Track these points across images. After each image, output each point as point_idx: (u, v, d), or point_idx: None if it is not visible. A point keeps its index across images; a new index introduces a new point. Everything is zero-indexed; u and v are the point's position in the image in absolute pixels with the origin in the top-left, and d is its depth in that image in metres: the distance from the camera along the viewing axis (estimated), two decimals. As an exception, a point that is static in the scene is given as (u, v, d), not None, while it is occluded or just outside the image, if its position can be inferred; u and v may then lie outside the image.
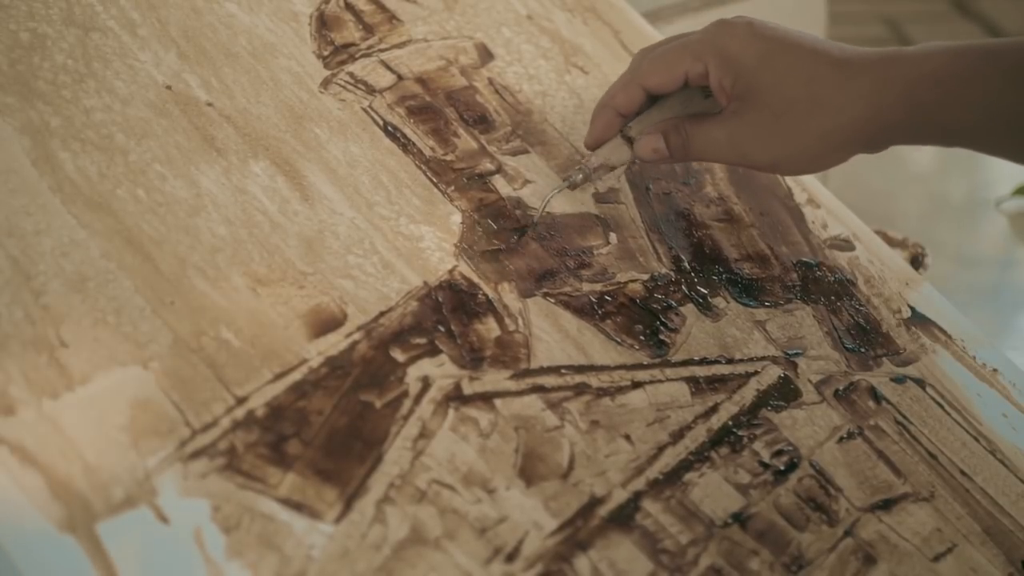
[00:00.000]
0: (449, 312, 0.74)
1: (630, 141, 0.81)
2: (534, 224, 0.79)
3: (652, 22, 0.99)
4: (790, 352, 0.80)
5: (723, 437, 0.75)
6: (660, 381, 0.76)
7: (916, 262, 1.07)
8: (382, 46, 0.86)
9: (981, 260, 1.39)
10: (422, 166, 0.81)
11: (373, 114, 0.82)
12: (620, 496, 0.70)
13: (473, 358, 0.72)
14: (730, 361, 0.78)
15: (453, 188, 0.80)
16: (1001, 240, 1.43)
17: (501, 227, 0.79)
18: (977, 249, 1.40)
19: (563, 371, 0.74)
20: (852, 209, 0.91)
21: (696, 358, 0.78)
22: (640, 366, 0.76)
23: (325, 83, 0.82)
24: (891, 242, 0.92)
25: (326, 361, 0.69)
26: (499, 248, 0.78)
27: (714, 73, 0.77)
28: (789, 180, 0.90)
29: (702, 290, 0.82)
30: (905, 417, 0.80)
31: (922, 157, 1.61)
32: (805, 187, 0.90)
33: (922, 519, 0.76)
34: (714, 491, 0.72)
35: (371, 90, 0.83)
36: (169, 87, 0.77)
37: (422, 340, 0.72)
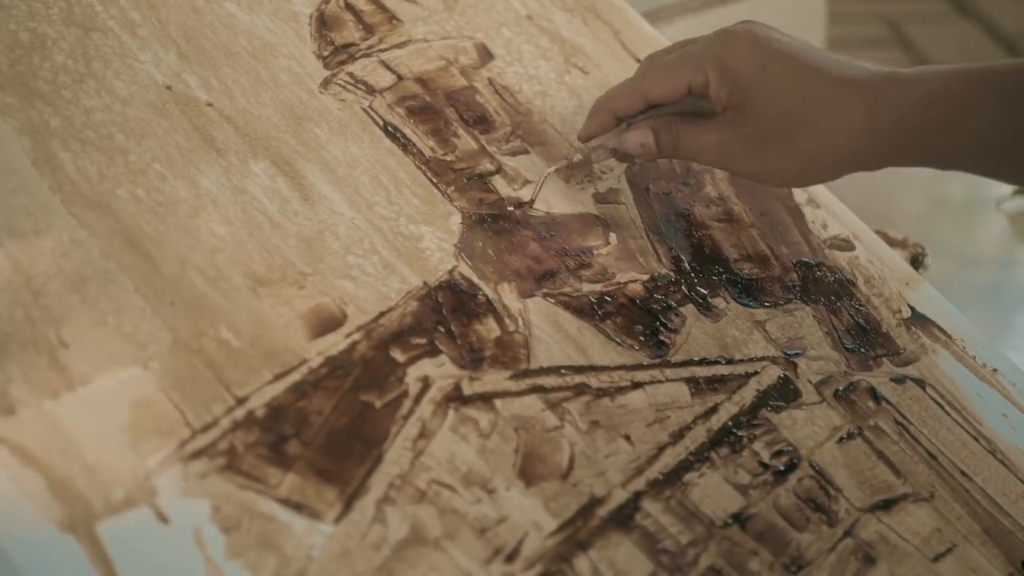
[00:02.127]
0: (449, 312, 0.74)
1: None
2: (532, 201, 0.80)
3: (652, 22, 0.99)
4: (790, 352, 0.80)
5: (723, 437, 0.75)
6: (660, 381, 0.76)
7: (916, 262, 1.07)
8: (382, 46, 0.86)
9: (981, 260, 1.39)
10: (422, 166, 0.81)
11: (373, 114, 0.82)
12: (620, 496, 0.70)
13: (473, 358, 0.72)
14: (730, 361, 0.78)
15: (453, 188, 0.80)
16: (1001, 240, 1.43)
17: (501, 227, 0.79)
18: (977, 249, 1.40)
19: (563, 371, 0.74)
20: (852, 209, 0.91)
21: (696, 358, 0.78)
22: (640, 366, 0.76)
23: (325, 83, 0.82)
24: (891, 242, 0.92)
25: (326, 361, 0.69)
26: (499, 247, 0.78)
27: (713, 84, 0.77)
28: (789, 180, 0.90)
29: (702, 290, 0.82)
30: (905, 417, 0.80)
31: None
32: (805, 187, 0.90)
33: (922, 519, 0.76)
34: (714, 491, 0.72)
35: (371, 90, 0.83)
36: (169, 87, 0.77)
37: (422, 340, 0.72)
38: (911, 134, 0.74)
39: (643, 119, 0.81)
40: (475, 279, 0.76)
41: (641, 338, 0.77)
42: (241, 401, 0.67)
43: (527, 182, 0.82)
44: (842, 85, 0.75)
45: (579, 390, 0.73)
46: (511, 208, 0.80)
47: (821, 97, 0.75)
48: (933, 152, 0.75)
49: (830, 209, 0.90)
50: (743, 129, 0.77)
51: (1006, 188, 1.46)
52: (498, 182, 0.82)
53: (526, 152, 0.84)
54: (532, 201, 0.81)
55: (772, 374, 0.79)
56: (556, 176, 0.83)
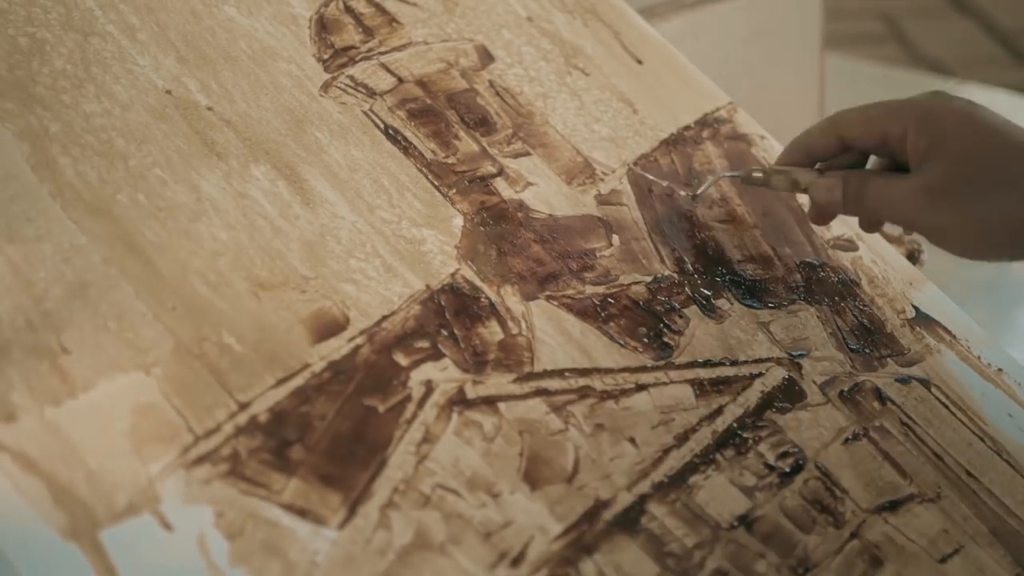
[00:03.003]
0: (452, 316, 0.74)
1: (819, 174, 0.80)
2: (697, 196, 0.82)
3: (647, 19, 0.98)
4: (794, 353, 0.80)
5: (728, 439, 0.74)
6: (664, 383, 0.75)
7: (912, 258, 1.07)
8: (382, 49, 0.86)
9: (979, 257, 1.39)
10: (423, 169, 0.80)
11: (374, 117, 0.82)
12: (625, 499, 0.70)
13: (476, 362, 0.72)
14: (734, 363, 0.78)
15: (455, 191, 0.80)
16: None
17: (503, 230, 0.79)
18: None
19: (567, 374, 0.74)
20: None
21: (700, 360, 0.77)
22: (644, 368, 0.76)
23: (325, 86, 0.82)
24: (887, 238, 0.92)
25: (329, 366, 0.69)
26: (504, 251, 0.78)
27: (911, 135, 0.75)
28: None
29: (705, 292, 0.81)
30: (910, 418, 0.79)
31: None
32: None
33: (928, 520, 0.75)
34: (720, 494, 0.72)
35: (371, 93, 0.83)
36: (169, 91, 0.77)
37: (425, 344, 0.72)
38: None
39: (838, 169, 0.79)
40: (478, 282, 0.76)
41: (645, 340, 0.77)
42: (244, 406, 0.66)
43: (529, 184, 0.82)
44: None
45: (583, 393, 0.73)
46: (513, 211, 0.79)
47: (1020, 170, 0.72)
48: None
49: (833, 209, 0.90)
50: (935, 182, 0.74)
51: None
52: (500, 184, 0.82)
53: (528, 154, 0.84)
54: (697, 196, 0.81)
55: (777, 375, 0.78)
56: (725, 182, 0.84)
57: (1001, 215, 0.73)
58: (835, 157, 0.80)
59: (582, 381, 0.74)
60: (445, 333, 0.73)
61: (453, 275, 0.76)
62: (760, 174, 0.81)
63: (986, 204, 0.73)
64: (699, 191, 0.81)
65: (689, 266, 0.82)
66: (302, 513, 0.64)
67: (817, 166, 0.80)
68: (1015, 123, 0.75)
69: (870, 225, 0.83)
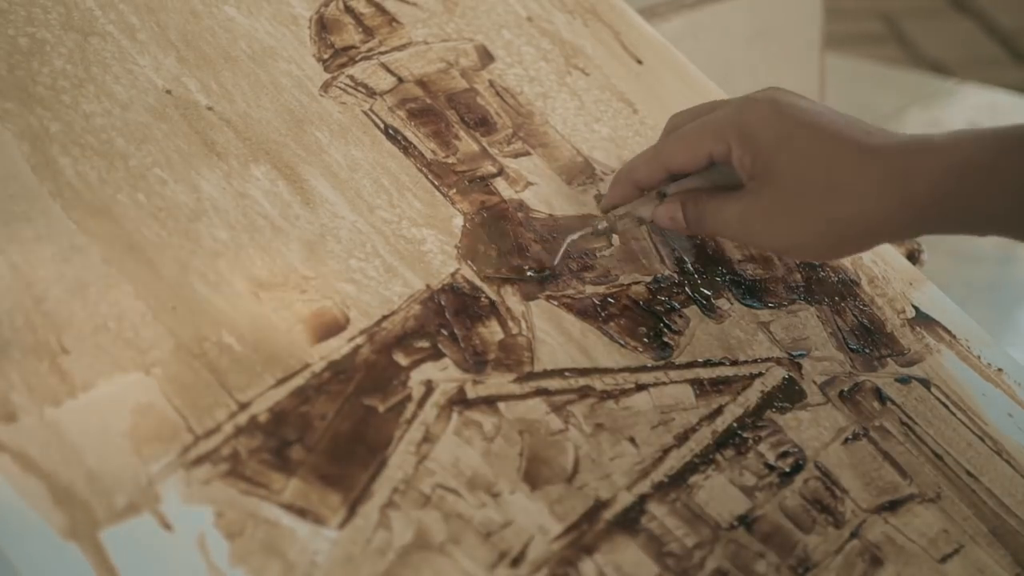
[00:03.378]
0: (452, 315, 0.74)
1: (662, 197, 0.79)
2: (554, 268, 0.78)
3: (648, 19, 0.98)
4: (794, 353, 0.80)
5: (728, 439, 0.74)
6: (664, 383, 0.75)
7: (912, 258, 1.07)
8: (382, 49, 0.85)
9: (979, 256, 1.39)
10: (423, 169, 0.80)
11: (374, 117, 0.82)
12: (625, 499, 0.70)
13: (476, 361, 0.72)
14: (734, 363, 0.78)
15: (455, 191, 0.80)
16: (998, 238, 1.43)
17: (503, 229, 0.79)
18: (975, 245, 1.40)
19: (567, 374, 0.74)
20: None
21: (700, 360, 0.77)
22: (644, 368, 0.76)
23: (325, 86, 0.82)
24: (889, 239, 0.92)
25: (329, 366, 0.69)
26: (502, 253, 0.78)
27: (735, 152, 0.74)
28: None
29: (705, 292, 0.81)
30: (910, 418, 0.79)
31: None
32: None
33: (928, 520, 0.75)
34: (719, 493, 0.72)
35: (371, 93, 0.83)
36: (169, 91, 0.77)
37: (425, 344, 0.72)
38: (945, 203, 0.71)
39: (676, 191, 0.78)
40: (478, 282, 0.76)
41: (645, 340, 0.77)
42: (244, 406, 0.66)
43: (529, 184, 0.82)
44: (870, 153, 0.71)
45: (583, 393, 0.73)
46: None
47: (848, 163, 0.71)
48: (968, 219, 0.72)
49: (833, 209, 0.90)
50: (767, 199, 0.73)
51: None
52: (500, 184, 0.82)
53: (528, 154, 0.84)
54: (554, 267, 0.78)
55: (777, 375, 0.78)
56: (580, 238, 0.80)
57: (829, 222, 0.72)
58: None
59: (582, 381, 0.74)
60: (445, 333, 0.73)
61: (453, 275, 0.76)
62: (605, 224, 0.79)
63: (818, 216, 0.72)
64: (555, 260, 0.78)
65: (689, 266, 0.82)
66: (302, 513, 0.64)
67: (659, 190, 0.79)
68: (824, 108, 0.74)
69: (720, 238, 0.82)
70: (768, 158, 0.73)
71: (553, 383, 0.73)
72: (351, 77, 0.83)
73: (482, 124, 0.84)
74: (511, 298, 0.76)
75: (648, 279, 0.80)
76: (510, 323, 0.75)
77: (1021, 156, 0.69)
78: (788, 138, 0.73)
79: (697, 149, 0.76)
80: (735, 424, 0.75)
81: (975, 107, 1.76)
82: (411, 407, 0.69)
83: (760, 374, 0.78)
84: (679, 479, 0.72)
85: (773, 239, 0.75)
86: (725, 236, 0.79)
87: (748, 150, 0.74)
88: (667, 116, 0.81)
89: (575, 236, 0.79)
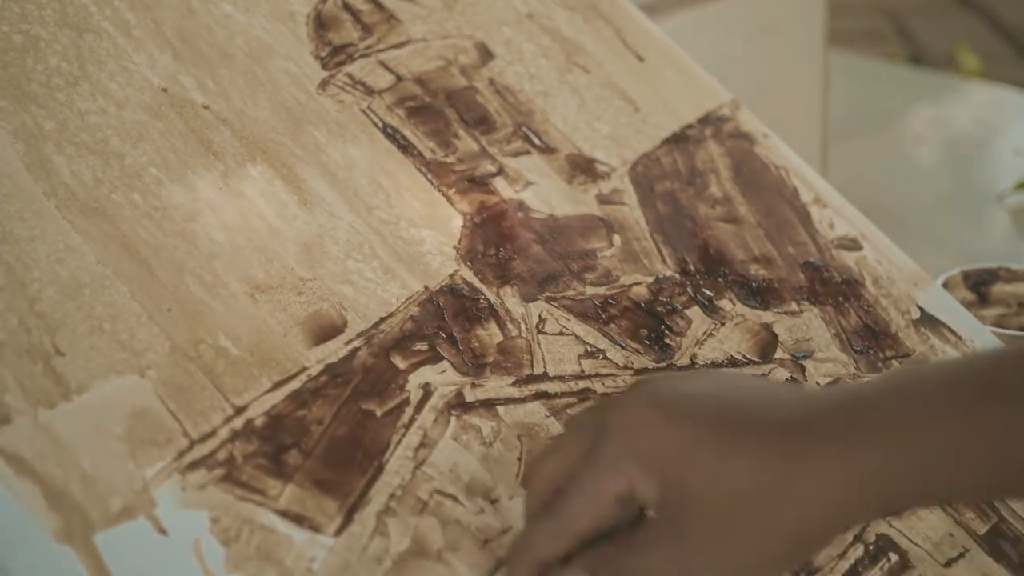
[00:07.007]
0: (451, 317, 0.73)
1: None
2: None
3: (649, 15, 0.98)
4: (798, 355, 0.79)
5: (730, 443, 0.74)
6: (666, 386, 0.75)
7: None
8: (380, 46, 0.85)
9: (983, 255, 1.38)
10: (422, 168, 0.80)
11: (372, 115, 0.81)
12: (626, 504, 0.69)
13: (475, 364, 0.72)
14: (737, 364, 0.77)
15: (454, 190, 0.79)
16: (1003, 235, 1.43)
17: (503, 230, 0.78)
18: (979, 244, 1.40)
19: (567, 377, 0.73)
20: (853, 204, 0.90)
21: (701, 361, 0.77)
22: (645, 370, 0.75)
23: (323, 84, 0.81)
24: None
25: (326, 369, 0.68)
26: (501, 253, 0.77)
27: (638, 484, 0.59)
28: (795, 179, 0.89)
29: (708, 292, 0.81)
30: (915, 421, 0.79)
31: (924, 152, 1.61)
32: (811, 186, 0.89)
33: (934, 524, 0.75)
34: (721, 498, 0.71)
35: (370, 91, 0.82)
36: (165, 89, 0.76)
37: (423, 346, 0.71)
38: (905, 478, 0.58)
39: (575, 560, 0.61)
40: (477, 283, 0.75)
41: (646, 342, 0.76)
42: (240, 410, 0.66)
43: (529, 183, 0.82)
44: (795, 436, 0.58)
45: (584, 396, 0.72)
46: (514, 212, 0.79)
47: (774, 460, 0.58)
48: (932, 492, 0.61)
49: (837, 208, 0.89)
50: (693, 528, 0.59)
51: (1008, 183, 1.45)
52: (499, 183, 0.81)
53: (528, 153, 0.83)
54: None
55: (780, 377, 0.78)
56: None
57: (783, 535, 0.59)
58: None
59: (582, 384, 0.73)
60: (444, 335, 0.72)
61: (452, 276, 0.75)
62: None
63: (761, 533, 0.58)
64: None
65: (691, 266, 0.82)
66: (298, 519, 0.63)
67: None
68: (718, 381, 0.63)
69: None
70: (676, 483, 0.59)
71: (553, 386, 0.72)
72: (349, 75, 0.82)
73: (482, 122, 0.83)
74: (510, 299, 0.75)
75: (650, 280, 0.80)
76: (509, 325, 0.74)
77: (996, 404, 0.57)
78: (690, 447, 0.59)
79: (603, 502, 0.60)
80: (737, 427, 0.74)
81: (980, 104, 1.75)
82: (409, 411, 0.68)
83: (763, 376, 0.77)
84: (680, 483, 0.71)
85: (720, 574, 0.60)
86: None
87: (652, 476, 0.59)
88: (669, 114, 0.81)
89: None
